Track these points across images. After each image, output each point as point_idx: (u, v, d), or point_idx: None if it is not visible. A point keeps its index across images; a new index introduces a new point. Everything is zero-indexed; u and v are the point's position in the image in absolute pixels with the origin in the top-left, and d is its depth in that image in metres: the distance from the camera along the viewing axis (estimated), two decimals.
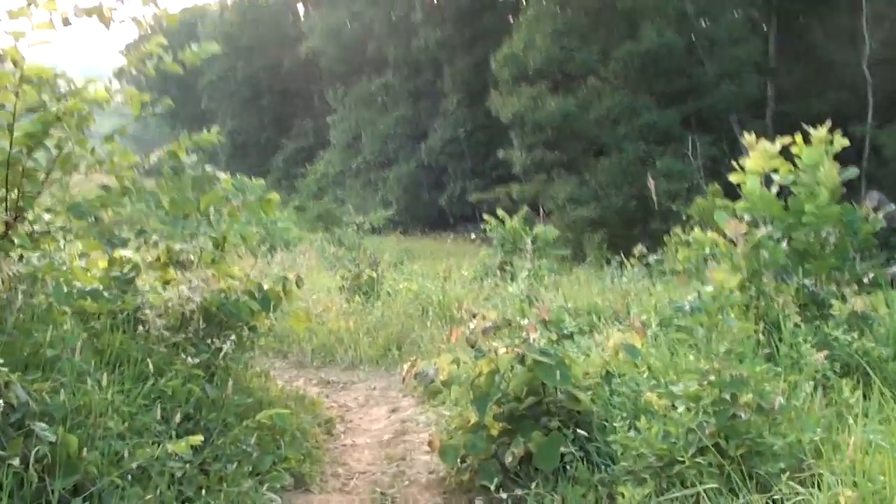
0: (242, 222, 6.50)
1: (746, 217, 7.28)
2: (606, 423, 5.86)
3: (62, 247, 6.38)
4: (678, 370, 6.30)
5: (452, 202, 53.26)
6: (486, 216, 19.50)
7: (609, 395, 6.17)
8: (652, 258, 17.12)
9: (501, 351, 5.90)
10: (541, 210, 30.88)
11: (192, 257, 6.91)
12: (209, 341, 6.51)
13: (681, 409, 5.18)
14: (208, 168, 6.46)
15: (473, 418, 6.30)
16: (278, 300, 7.18)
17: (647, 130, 37.61)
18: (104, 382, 5.21)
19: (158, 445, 5.01)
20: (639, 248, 17.98)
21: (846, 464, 4.51)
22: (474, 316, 6.32)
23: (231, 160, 76.46)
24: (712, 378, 5.05)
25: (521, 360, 5.84)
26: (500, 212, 19.59)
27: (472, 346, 6.09)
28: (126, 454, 4.95)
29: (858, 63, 38.72)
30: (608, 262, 24.48)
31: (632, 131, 37.71)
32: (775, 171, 7.40)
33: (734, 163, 7.93)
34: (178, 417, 5.46)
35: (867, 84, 37.38)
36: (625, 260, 17.56)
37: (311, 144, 70.88)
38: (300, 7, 78.41)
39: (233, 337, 6.64)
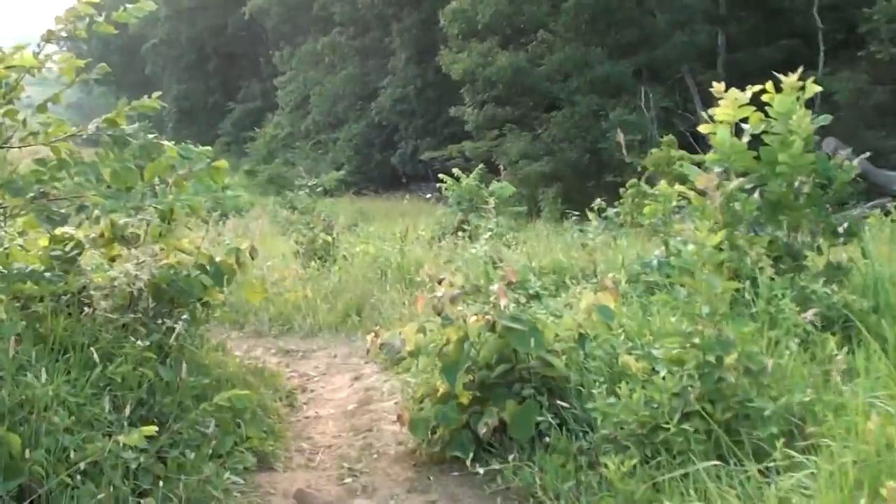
0: (190, 192, 6.11)
1: (716, 169, 7.03)
2: (582, 389, 5.60)
3: (2, 226, 6.00)
4: (654, 331, 6.06)
5: (405, 161, 52.71)
6: (441, 175, 19.17)
7: (583, 359, 5.90)
8: (611, 211, 16.87)
9: (471, 318, 5.62)
10: (497, 167, 30.65)
11: (138, 232, 6.53)
12: (160, 321, 6.15)
13: (662, 373, 4.92)
14: (152, 136, 6.07)
15: (442, 387, 6.04)
16: (232, 273, 6.81)
17: (600, 83, 37.25)
18: (49, 372, 4.85)
19: (110, 437, 4.68)
20: (597, 202, 17.80)
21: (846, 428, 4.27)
22: (440, 281, 6.00)
23: (178, 126, 75.76)
24: (696, 340, 4.79)
25: (492, 327, 5.57)
26: (455, 170, 19.29)
27: (439, 314, 5.79)
28: (75, 450, 4.60)
29: (808, 9, 38.66)
30: (564, 217, 24.37)
31: (584, 84, 37.35)
32: (745, 120, 7.13)
33: (703, 114, 7.69)
34: (129, 406, 5.11)
35: (818, 30, 37.26)
36: (583, 214, 17.32)
37: (260, 107, 69.97)
38: None
39: (185, 315, 6.30)
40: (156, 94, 6.13)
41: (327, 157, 54.63)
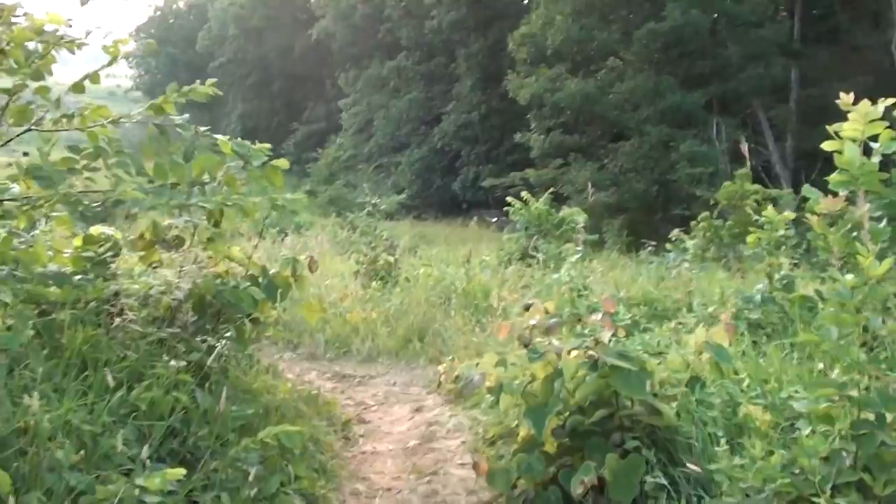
0: (244, 193, 5.31)
1: (841, 192, 6.11)
2: (696, 444, 4.65)
3: (38, 222, 5.22)
4: (775, 377, 5.15)
5: (466, 187, 52.08)
6: (509, 199, 18.30)
7: (696, 406, 4.93)
8: (689, 242, 15.94)
9: (566, 352, 4.71)
10: (561, 196, 29.87)
11: (182, 235, 5.72)
12: (202, 338, 5.29)
13: (805, 430, 3.97)
14: (204, 129, 5.30)
15: (523, 431, 5.16)
16: (287, 287, 5.98)
17: (670, 113, 36.36)
18: (60, 394, 4.02)
19: (128, 476, 3.84)
20: (675, 233, 16.94)
21: None
22: (527, 308, 5.12)
23: None
24: (853, 393, 3.84)
25: (593, 364, 4.64)
26: (524, 194, 18.44)
27: (526, 346, 4.89)
28: (82, 492, 3.73)
29: (884, 46, 37.58)
30: (630, 248, 23.46)
31: (654, 114, 36.44)
32: (874, 138, 6.20)
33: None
34: (156, 438, 4.26)
35: (894, 67, 36.03)
36: (652, 244, 16.46)
37: (323, 129, 69.86)
38: None
39: (229, 332, 5.44)
40: (210, 81, 5.41)
41: (388, 181, 54.16)
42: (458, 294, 11.78)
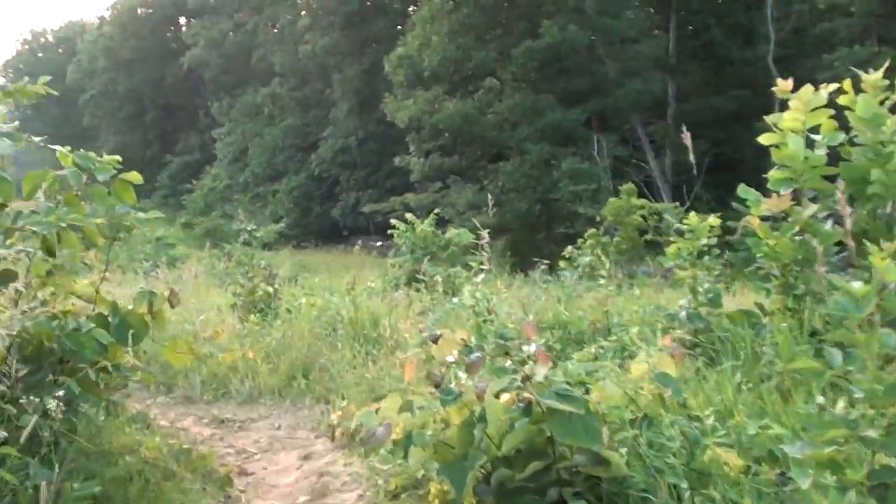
0: (87, 213, 4.39)
1: (782, 190, 5.47)
2: (652, 498, 3.82)
3: None
4: (728, 409, 4.40)
5: (346, 214, 51.45)
6: (394, 221, 17.46)
7: (647, 450, 4.08)
8: (583, 259, 15.35)
9: (493, 393, 3.83)
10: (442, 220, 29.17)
11: (12, 268, 4.71)
12: (35, 396, 4.23)
13: (804, 482, 3.11)
14: (38, 139, 4.37)
15: (434, 485, 4.33)
16: (143, 327, 5.03)
17: (550, 131, 36.15)
18: None
19: None
20: (569, 250, 16.35)
21: None
22: (435, 340, 4.25)
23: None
24: (872, 434, 2.98)
25: (527, 408, 3.79)
26: (408, 215, 17.62)
27: (437, 385, 4.04)
28: None
29: (757, 60, 38.09)
30: (516, 269, 22.85)
31: (534, 132, 36.20)
32: (814, 129, 5.56)
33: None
34: None
35: (772, 78, 36.38)
36: (545, 263, 15.80)
37: (198, 160, 68.73)
38: (181, 18, 75.89)
39: (59, 393, 4.31)
40: (43, 79, 4.45)
41: (266, 210, 53.21)
42: (344, 324, 10.80)
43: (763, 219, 5.50)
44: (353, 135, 51.83)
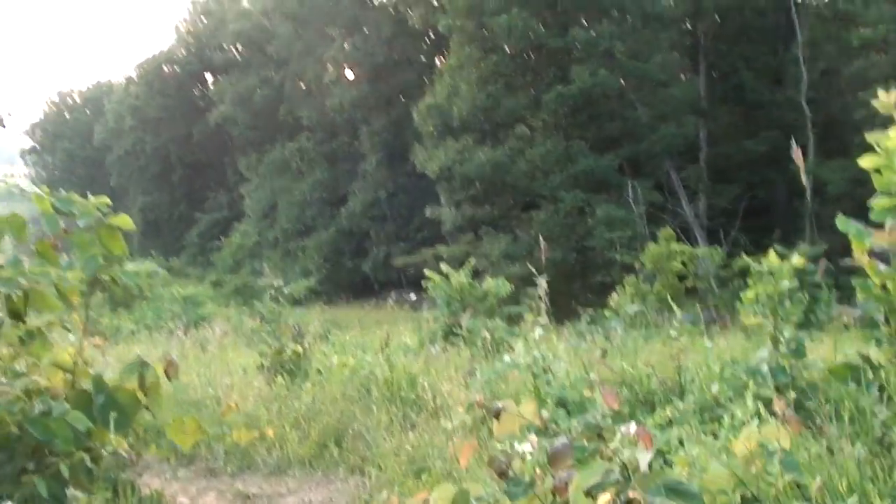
0: (62, 266, 3.61)
1: (888, 221, 4.61)
2: None
3: None
4: (863, 490, 3.55)
5: (377, 268, 50.79)
6: (427, 272, 16.56)
7: None
8: (631, 308, 14.46)
9: (585, 492, 2.92)
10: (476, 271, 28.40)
11: None
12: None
13: None
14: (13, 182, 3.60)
15: None
16: (133, 405, 4.21)
17: (583, 178, 35.40)
18: None
19: None
20: (614, 298, 15.50)
21: None
22: (496, 415, 3.36)
23: (144, 238, 74.62)
24: None
25: None
26: (443, 265, 16.73)
27: (502, 475, 3.17)
28: None
29: (788, 102, 37.33)
30: (552, 319, 21.98)
31: (566, 179, 35.44)
32: None
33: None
34: None
35: (806, 119, 35.54)
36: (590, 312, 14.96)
37: (226, 217, 68.40)
38: (208, 75, 75.92)
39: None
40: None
41: (296, 266, 52.57)
42: (379, 385, 9.95)
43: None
44: (382, 187, 51.29)
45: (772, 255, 5.81)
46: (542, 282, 5.89)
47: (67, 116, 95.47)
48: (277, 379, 10.94)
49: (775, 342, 5.69)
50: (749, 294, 5.88)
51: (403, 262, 44.37)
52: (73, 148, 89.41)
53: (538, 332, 5.69)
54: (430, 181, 40.82)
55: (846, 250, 5.15)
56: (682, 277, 24.56)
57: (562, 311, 23.96)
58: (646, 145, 36.68)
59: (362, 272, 51.71)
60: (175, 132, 74.18)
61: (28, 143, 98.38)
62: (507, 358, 5.87)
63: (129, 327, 25.42)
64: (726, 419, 4.92)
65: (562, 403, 5.67)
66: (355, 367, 11.00)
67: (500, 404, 3.17)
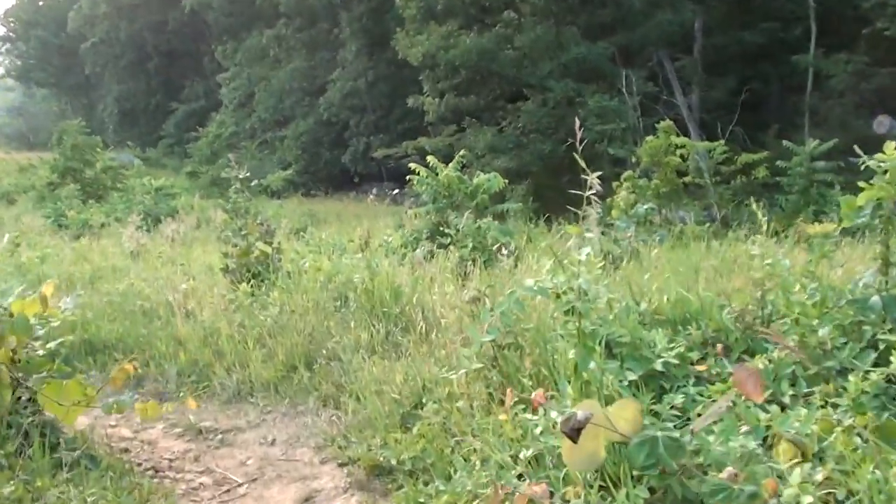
0: None
1: None
2: None
3: None
4: None
5: (356, 160, 49.28)
6: (412, 165, 14.99)
7: None
8: (641, 207, 13.06)
9: None
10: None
11: None
12: None
13: None
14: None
15: None
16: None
17: (575, 67, 33.67)
18: None
19: None
20: (623, 195, 14.13)
21: None
22: (574, 429, 1.98)
23: (119, 129, 73.62)
24: None
25: None
26: (430, 159, 15.21)
27: None
28: None
29: None
30: (538, 216, 20.73)
31: (556, 69, 33.70)
32: None
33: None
34: None
35: (809, 9, 33.74)
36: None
37: (203, 107, 66.99)
38: None
39: None
40: None
41: (274, 157, 51.18)
42: (357, 295, 8.55)
43: None
44: (362, 76, 49.42)
45: (889, 148, 4.41)
46: (595, 179, 4.39)
47: (41, 3, 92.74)
48: (242, 285, 9.59)
49: (886, 264, 4.33)
50: (859, 200, 4.49)
51: (384, 155, 42.87)
52: (47, 36, 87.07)
53: (585, 251, 4.12)
54: (412, 71, 39.15)
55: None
56: (679, 173, 23.20)
57: (549, 207, 22.68)
58: (640, 33, 34.83)
59: (341, 164, 50.11)
60: (150, 18, 72.06)
61: (1, 32, 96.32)
62: (529, 282, 4.39)
63: (100, 220, 24.19)
64: (852, 381, 3.61)
65: (608, 346, 4.30)
66: (330, 271, 9.62)
67: (582, 412, 1.84)
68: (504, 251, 10.06)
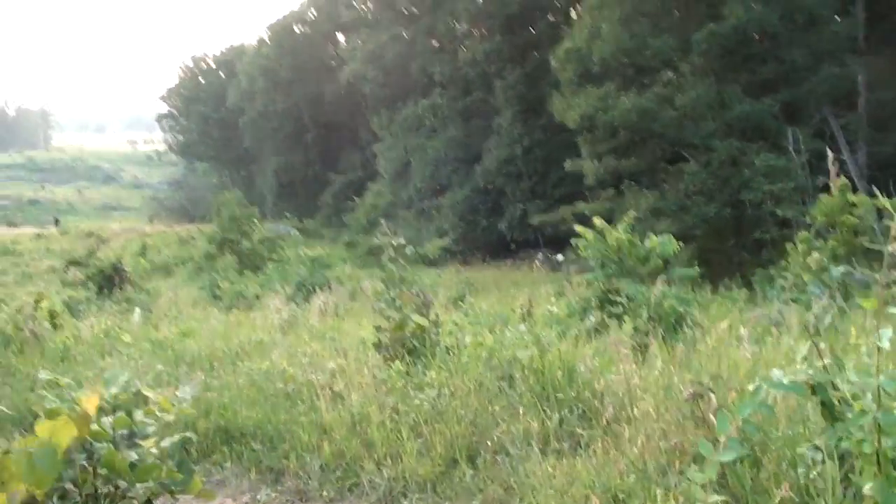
0: None
1: None
2: None
3: None
4: None
5: (513, 227, 48.88)
6: (578, 228, 13.88)
7: None
8: (835, 270, 11.73)
9: None
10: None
11: None
12: None
13: None
14: None
15: None
16: None
17: (738, 125, 32.21)
18: None
19: None
20: (816, 258, 12.79)
21: None
22: None
23: (277, 199, 75.06)
24: None
25: None
26: (597, 221, 14.07)
27: None
28: None
29: None
30: (704, 281, 19.58)
31: (720, 127, 32.26)
32: None
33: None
34: None
35: None
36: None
37: (360, 177, 68.02)
38: (339, 34, 74.98)
39: None
40: None
41: (431, 226, 51.06)
42: (524, 372, 7.45)
43: None
44: (517, 143, 49.09)
45: None
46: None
47: (202, 81, 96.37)
48: (395, 363, 8.60)
49: None
50: None
51: (541, 220, 42.20)
52: (208, 111, 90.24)
53: (886, 335, 3.04)
54: (567, 135, 38.46)
55: None
56: (855, 233, 21.65)
57: (715, 272, 21.39)
58: (805, 88, 33.07)
59: (498, 231, 49.81)
60: (306, 92, 73.94)
61: (164, 109, 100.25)
62: (776, 373, 3.28)
63: (254, 291, 23.92)
64: None
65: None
66: (493, 347, 8.55)
67: None
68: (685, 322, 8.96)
